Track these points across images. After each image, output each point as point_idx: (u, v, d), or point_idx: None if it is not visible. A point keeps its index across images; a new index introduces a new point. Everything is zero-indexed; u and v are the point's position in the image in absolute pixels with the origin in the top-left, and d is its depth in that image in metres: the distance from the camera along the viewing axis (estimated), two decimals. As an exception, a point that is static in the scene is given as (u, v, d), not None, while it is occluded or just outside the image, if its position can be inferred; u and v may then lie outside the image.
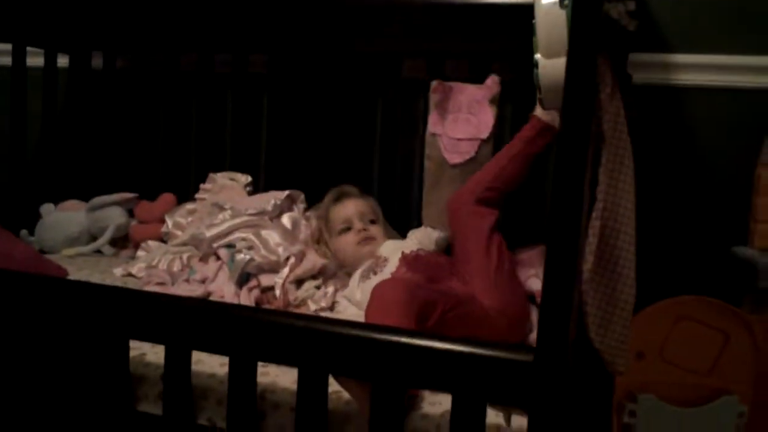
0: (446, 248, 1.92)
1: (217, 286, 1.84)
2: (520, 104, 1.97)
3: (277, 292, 1.78)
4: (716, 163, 1.96)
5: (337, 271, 1.91)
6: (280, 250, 1.89)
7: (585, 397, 1.39)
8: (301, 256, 1.89)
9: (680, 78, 1.95)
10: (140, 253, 2.29)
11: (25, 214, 2.43)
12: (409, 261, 1.73)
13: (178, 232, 2.25)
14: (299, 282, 1.84)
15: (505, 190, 1.79)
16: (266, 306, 1.76)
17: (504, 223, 1.76)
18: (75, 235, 2.37)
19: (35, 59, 2.48)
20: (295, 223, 2.05)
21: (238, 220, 2.01)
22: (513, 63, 2.00)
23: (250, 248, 1.90)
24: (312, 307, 1.76)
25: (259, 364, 1.28)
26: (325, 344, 1.15)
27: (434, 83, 2.01)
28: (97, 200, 2.37)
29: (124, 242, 2.41)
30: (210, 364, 1.42)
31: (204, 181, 2.38)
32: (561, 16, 1.33)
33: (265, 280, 1.82)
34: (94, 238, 2.38)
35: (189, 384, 1.33)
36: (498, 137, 1.97)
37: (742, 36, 1.90)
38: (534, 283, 1.72)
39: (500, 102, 1.97)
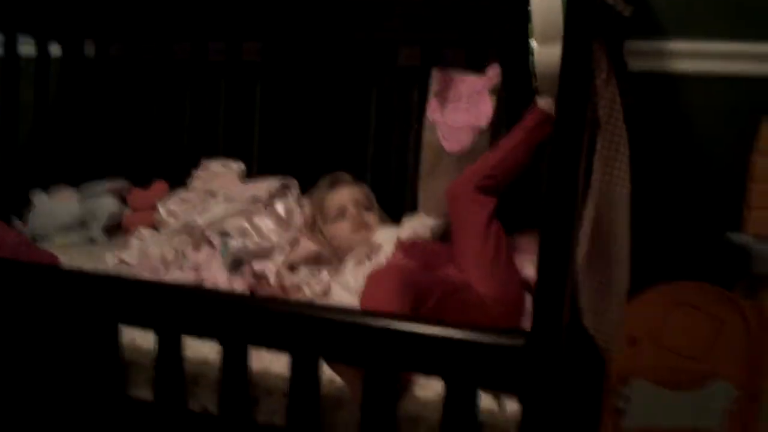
0: (441, 237, 1.91)
1: (210, 273, 1.83)
2: (517, 92, 1.96)
3: (272, 278, 1.77)
4: (711, 149, 1.95)
5: (331, 258, 1.90)
6: (274, 236, 1.88)
7: (578, 381, 1.39)
8: (294, 243, 1.88)
9: (676, 65, 1.94)
10: (133, 240, 2.27)
11: (16, 201, 2.42)
12: (405, 247, 1.73)
13: (171, 220, 2.24)
14: (293, 268, 1.84)
15: (505, 179, 1.78)
16: (260, 293, 1.76)
17: (502, 208, 1.76)
18: (68, 224, 2.36)
19: (27, 48, 2.46)
20: (288, 210, 2.04)
21: (231, 208, 2.00)
22: (510, 50, 1.99)
23: (243, 235, 1.89)
24: (307, 293, 1.76)
25: (252, 349, 1.28)
26: (317, 330, 1.15)
27: (435, 72, 2.00)
28: (90, 187, 2.36)
29: (116, 230, 2.40)
30: (202, 350, 1.41)
31: (197, 169, 2.36)
32: (556, 2, 1.32)
33: (259, 266, 1.81)
34: (86, 226, 2.37)
35: (181, 370, 1.32)
36: (497, 127, 1.96)
37: (738, 22, 1.90)
38: (531, 269, 1.71)
39: (500, 91, 1.96)
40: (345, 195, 1.98)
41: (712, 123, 1.95)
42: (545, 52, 1.39)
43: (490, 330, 1.07)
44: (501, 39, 2.00)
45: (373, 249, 1.81)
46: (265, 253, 1.84)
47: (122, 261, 2.07)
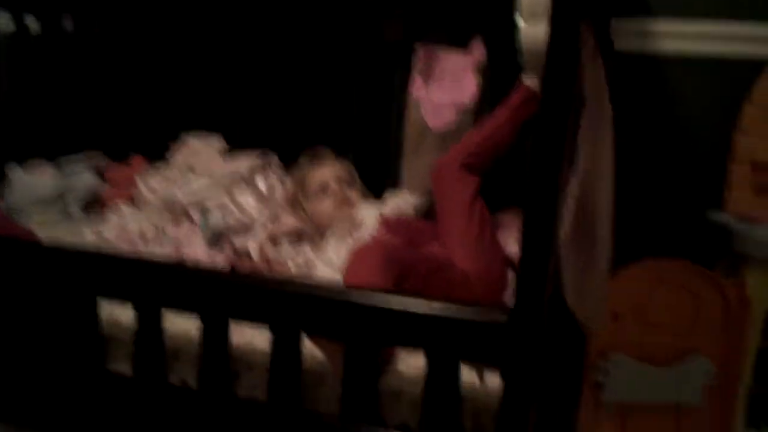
0: (424, 213, 1.91)
1: (190, 249, 1.82)
2: (502, 70, 1.94)
3: (254, 252, 1.76)
4: (694, 129, 1.96)
5: (312, 234, 1.90)
6: (254, 212, 1.87)
7: (559, 356, 1.40)
8: (275, 219, 1.87)
9: (660, 46, 1.94)
10: (111, 215, 2.25)
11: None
12: (389, 224, 1.72)
13: (151, 196, 2.22)
14: (276, 242, 1.83)
15: (490, 158, 1.77)
16: (240, 268, 1.75)
17: (486, 186, 1.75)
18: (45, 199, 2.32)
19: (4, 23, 2.41)
20: (269, 186, 2.03)
21: (211, 183, 1.98)
22: (495, 27, 1.97)
23: (224, 211, 1.87)
24: (291, 268, 1.75)
25: (233, 324, 1.27)
26: (298, 304, 1.15)
27: (419, 48, 1.98)
28: (67, 162, 2.32)
29: (94, 205, 2.37)
30: (182, 325, 1.40)
31: (176, 143, 2.34)
32: (543, -22, 1.31)
33: (239, 242, 1.80)
34: (63, 200, 2.34)
35: (161, 344, 1.31)
36: (481, 104, 1.95)
37: (723, 3, 1.89)
38: (514, 247, 1.71)
39: (484, 68, 1.95)
40: (327, 171, 1.97)
41: (695, 103, 1.95)
42: (531, 29, 1.38)
43: (473, 306, 1.07)
44: (486, 15, 1.99)
45: (355, 225, 1.80)
46: (245, 229, 1.83)
47: (100, 236, 2.05)
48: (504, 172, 1.98)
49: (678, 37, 1.93)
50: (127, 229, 2.03)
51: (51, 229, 2.09)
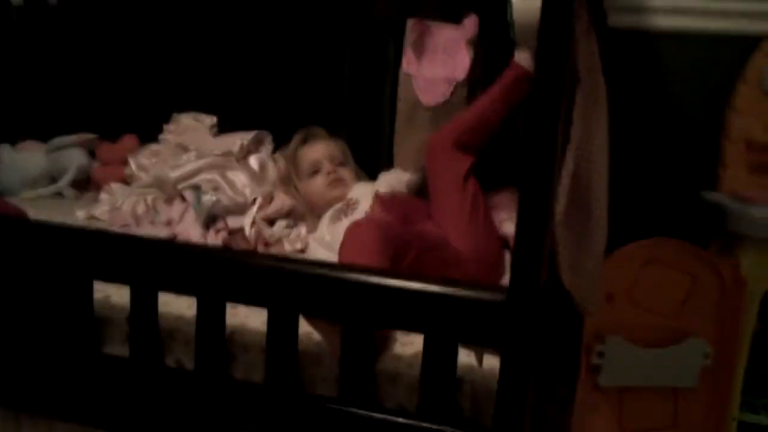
0: (417, 191, 1.90)
1: (183, 229, 1.81)
2: (496, 44, 1.92)
3: (248, 230, 1.75)
4: (687, 108, 1.95)
5: (306, 214, 1.89)
6: (247, 191, 1.86)
7: (555, 337, 1.40)
8: (269, 198, 1.86)
9: (654, 22, 1.93)
10: (103, 195, 2.23)
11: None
12: (384, 201, 1.71)
13: (142, 174, 2.20)
14: (271, 222, 1.82)
15: (482, 137, 1.75)
16: (234, 248, 1.74)
17: (480, 164, 1.74)
18: (34, 177, 2.31)
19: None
20: (262, 165, 2.01)
21: (203, 162, 1.97)
22: (489, 3, 1.95)
23: (216, 190, 1.86)
24: (287, 248, 1.74)
25: (229, 305, 1.26)
26: (295, 284, 1.14)
27: (411, 21, 1.95)
28: (57, 141, 2.30)
29: (85, 184, 2.36)
30: (177, 306, 1.40)
31: (168, 122, 2.32)
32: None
33: (233, 222, 1.79)
34: (54, 180, 2.32)
35: (156, 325, 1.30)
36: (474, 79, 1.93)
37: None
38: (508, 227, 1.71)
39: (477, 43, 1.93)
40: (319, 150, 1.96)
41: (689, 81, 1.94)
42: (524, 2, 1.37)
43: (471, 285, 1.07)
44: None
45: (349, 205, 1.79)
46: (238, 209, 1.82)
47: (92, 216, 2.03)
48: (498, 151, 1.97)
49: (671, 12, 1.92)
50: (118, 208, 2.01)
51: (42, 208, 2.07)
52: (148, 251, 1.23)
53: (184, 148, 2.07)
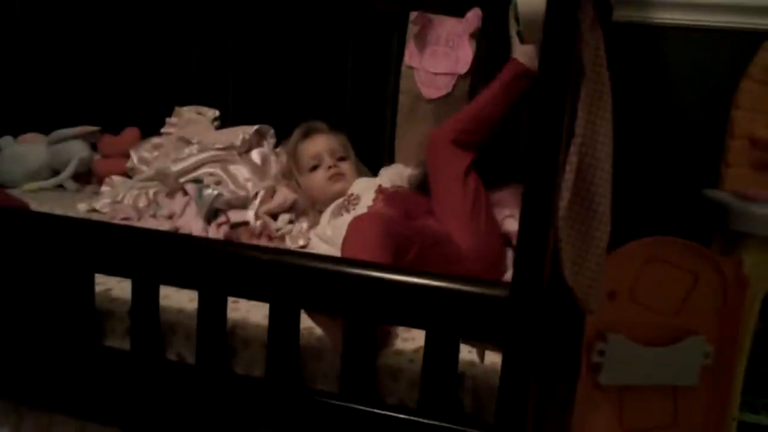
0: (419, 186, 1.90)
1: (184, 222, 1.81)
2: (499, 38, 1.91)
3: (252, 222, 1.75)
4: (691, 104, 1.95)
5: (307, 208, 1.88)
6: (249, 185, 1.86)
7: (556, 335, 1.40)
8: (271, 192, 1.85)
9: (658, 16, 1.92)
10: (104, 188, 2.23)
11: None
12: (386, 196, 1.71)
13: (144, 167, 2.20)
14: (275, 217, 1.81)
15: (482, 134, 1.75)
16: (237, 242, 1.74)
17: (482, 161, 1.74)
18: (36, 169, 2.30)
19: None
20: (264, 159, 2.01)
21: (205, 155, 1.96)
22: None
23: (218, 183, 1.86)
24: (289, 245, 1.74)
25: (230, 299, 1.26)
26: (297, 279, 1.13)
27: (414, 14, 1.93)
28: (59, 133, 2.30)
29: (87, 177, 2.35)
30: (178, 299, 1.40)
31: (170, 115, 2.32)
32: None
33: (234, 216, 1.79)
34: (55, 172, 2.32)
35: (157, 319, 1.30)
36: (476, 73, 1.92)
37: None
38: (509, 223, 1.71)
39: (480, 37, 1.92)
40: (320, 144, 1.95)
41: (693, 77, 1.94)
42: (529, -3, 1.36)
43: (473, 281, 1.06)
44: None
45: (350, 200, 1.79)
46: (240, 202, 1.82)
47: (93, 209, 2.03)
48: (501, 147, 1.96)
49: (676, 8, 1.91)
50: (120, 201, 2.01)
51: (43, 201, 2.07)
52: (149, 244, 1.22)
53: (186, 142, 2.06)
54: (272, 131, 2.14)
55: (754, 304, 1.58)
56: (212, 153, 1.97)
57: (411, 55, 1.95)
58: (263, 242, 1.74)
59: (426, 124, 1.90)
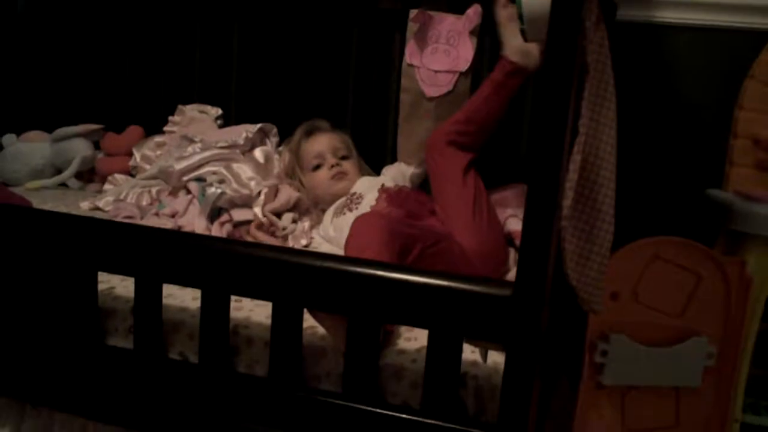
0: (420, 184, 1.90)
1: (187, 221, 1.81)
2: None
3: (252, 225, 1.75)
4: (695, 104, 1.94)
5: (310, 207, 1.88)
6: (253, 184, 1.86)
7: (559, 335, 1.40)
8: (274, 190, 1.85)
9: (662, 15, 1.92)
10: (107, 186, 2.24)
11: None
12: (390, 195, 1.71)
13: (147, 166, 2.20)
14: (278, 216, 1.81)
15: (478, 134, 1.74)
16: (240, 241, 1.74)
17: (485, 161, 1.74)
18: (39, 167, 2.31)
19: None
20: (267, 157, 2.01)
21: (208, 153, 1.96)
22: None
23: (221, 182, 1.86)
24: (292, 244, 1.74)
25: (233, 298, 1.26)
26: (301, 277, 1.13)
27: (414, 12, 1.92)
28: (62, 131, 2.30)
29: (90, 175, 2.36)
30: (181, 298, 1.40)
31: (173, 114, 2.32)
32: (544, -58, 1.28)
33: (237, 214, 1.79)
34: (58, 170, 2.32)
35: (160, 318, 1.30)
36: (477, 70, 1.92)
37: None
38: (512, 223, 1.71)
39: (480, 34, 1.91)
40: (323, 143, 1.95)
41: (697, 77, 1.94)
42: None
43: (477, 280, 1.06)
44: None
45: (352, 199, 1.79)
46: (244, 201, 1.81)
47: (96, 207, 2.04)
48: (504, 147, 1.97)
49: (680, 7, 1.91)
50: (123, 200, 2.01)
51: (46, 199, 2.07)
52: (152, 242, 1.22)
53: (189, 140, 2.06)
54: (275, 130, 2.14)
55: (758, 305, 1.58)
56: (215, 151, 1.97)
57: (411, 54, 1.94)
58: (267, 235, 1.74)
59: (428, 122, 1.90)
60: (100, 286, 1.34)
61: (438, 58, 1.91)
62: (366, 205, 1.72)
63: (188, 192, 1.90)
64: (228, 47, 2.34)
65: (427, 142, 1.79)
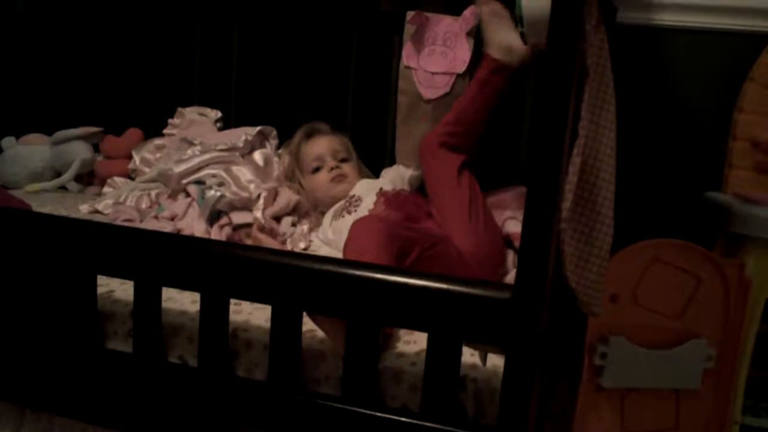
0: (419, 187, 1.90)
1: (186, 224, 1.81)
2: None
3: (252, 229, 1.75)
4: (694, 106, 1.95)
5: (310, 210, 1.88)
6: (252, 187, 1.85)
7: (559, 337, 1.40)
8: (273, 193, 1.85)
9: (662, 18, 1.92)
10: (107, 189, 2.24)
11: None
12: (388, 198, 1.71)
13: (146, 168, 2.20)
14: (278, 219, 1.81)
15: (469, 134, 1.74)
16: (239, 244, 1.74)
17: (476, 166, 1.74)
18: (38, 170, 2.31)
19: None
20: (267, 160, 2.01)
21: (207, 156, 1.96)
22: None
23: (220, 185, 1.86)
24: (291, 247, 1.74)
25: (232, 301, 1.26)
26: (300, 281, 1.13)
27: (411, 13, 1.91)
28: (61, 134, 2.30)
29: (89, 178, 2.36)
30: (181, 301, 1.40)
31: (172, 116, 2.31)
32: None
33: (237, 217, 1.79)
34: (58, 173, 2.32)
35: (159, 321, 1.30)
36: (474, 72, 1.91)
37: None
38: (511, 225, 1.70)
39: (477, 35, 1.90)
40: (322, 145, 1.95)
41: (696, 79, 1.94)
42: (534, -2, 1.36)
43: (476, 282, 1.06)
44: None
45: (351, 202, 1.79)
46: (243, 204, 1.81)
47: (95, 210, 2.03)
48: (503, 149, 1.97)
49: (680, 9, 1.91)
50: (122, 202, 2.01)
51: (45, 202, 2.07)
52: (152, 246, 1.22)
53: (189, 143, 2.06)
54: (275, 132, 2.14)
55: (757, 307, 1.58)
56: (215, 154, 1.97)
57: (408, 56, 1.94)
58: (267, 236, 1.74)
59: (425, 124, 1.89)
60: (100, 290, 1.34)
61: (435, 59, 1.90)
62: (365, 208, 1.72)
63: (187, 195, 1.90)
64: (228, 49, 2.34)
65: (420, 145, 1.79)
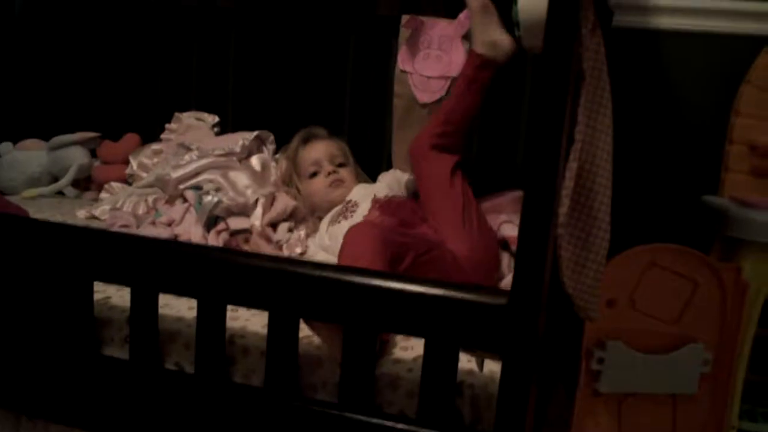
0: (415, 191, 1.89)
1: (183, 229, 1.81)
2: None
3: (249, 235, 1.75)
4: (691, 110, 1.95)
5: (307, 215, 1.88)
6: (249, 192, 1.85)
7: (555, 343, 1.39)
8: (271, 199, 1.85)
9: (658, 21, 1.92)
10: (104, 194, 2.24)
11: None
12: (382, 205, 1.71)
13: (143, 174, 2.20)
14: (274, 226, 1.81)
15: (457, 133, 1.75)
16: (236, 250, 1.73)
17: (472, 171, 1.74)
18: (35, 176, 2.31)
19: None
20: (264, 165, 2.01)
21: (205, 161, 1.96)
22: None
23: (217, 190, 1.86)
24: (286, 254, 1.74)
25: (229, 307, 1.26)
26: (297, 287, 1.13)
27: (406, 17, 1.92)
28: (58, 139, 2.30)
29: (86, 183, 2.36)
30: (177, 308, 1.39)
31: (169, 121, 2.31)
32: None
33: (234, 223, 1.79)
34: (55, 179, 2.32)
35: (156, 328, 1.30)
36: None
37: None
38: (506, 229, 1.70)
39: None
40: (319, 150, 1.95)
41: (693, 83, 1.94)
42: (530, 1, 1.36)
43: (473, 288, 1.06)
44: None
45: (348, 207, 1.79)
46: (240, 209, 1.81)
47: (92, 216, 2.03)
48: (500, 154, 1.96)
49: (676, 12, 1.91)
50: (119, 208, 2.01)
51: (42, 207, 2.07)
52: (148, 252, 1.22)
53: (186, 148, 2.06)
54: (272, 137, 2.14)
55: (754, 311, 1.58)
56: (212, 159, 1.97)
57: (404, 60, 1.94)
58: (264, 242, 1.74)
59: (420, 128, 1.89)
60: (96, 296, 1.33)
61: (430, 63, 1.90)
62: (360, 214, 1.72)
63: (185, 200, 1.90)
64: (225, 54, 2.34)
65: (410, 148, 1.79)
